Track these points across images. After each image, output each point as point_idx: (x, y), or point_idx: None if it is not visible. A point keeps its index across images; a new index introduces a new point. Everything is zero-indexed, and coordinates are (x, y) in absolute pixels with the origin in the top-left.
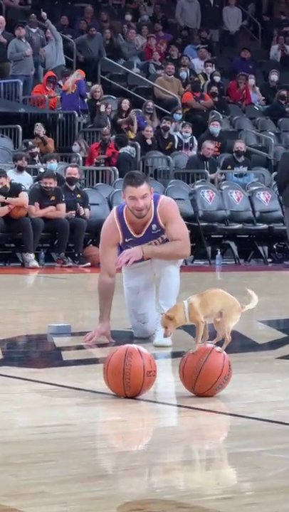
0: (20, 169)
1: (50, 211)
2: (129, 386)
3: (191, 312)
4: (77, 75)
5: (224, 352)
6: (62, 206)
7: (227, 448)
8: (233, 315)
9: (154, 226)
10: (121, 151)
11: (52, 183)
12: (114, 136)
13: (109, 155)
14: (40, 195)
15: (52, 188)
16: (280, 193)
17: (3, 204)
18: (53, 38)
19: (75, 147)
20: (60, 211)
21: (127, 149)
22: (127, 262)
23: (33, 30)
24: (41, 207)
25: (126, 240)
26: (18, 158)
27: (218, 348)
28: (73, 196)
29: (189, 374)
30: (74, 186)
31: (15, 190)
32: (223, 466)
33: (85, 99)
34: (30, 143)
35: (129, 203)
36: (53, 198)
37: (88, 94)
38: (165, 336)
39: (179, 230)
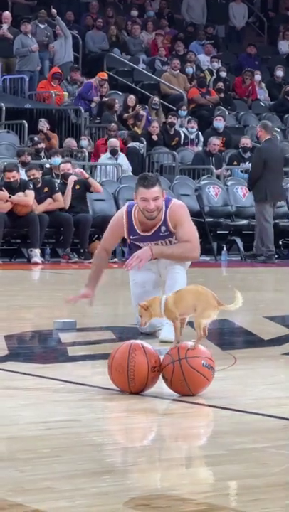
0: (24, 165)
1: (49, 204)
2: (134, 382)
3: (166, 309)
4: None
5: (201, 346)
6: (58, 195)
7: (232, 444)
8: (206, 312)
9: (163, 228)
10: (130, 145)
11: (35, 174)
12: (126, 131)
13: None
14: (34, 191)
15: (38, 179)
16: (251, 188)
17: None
18: (63, 35)
19: (84, 142)
20: (58, 201)
21: (136, 144)
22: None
23: (42, 27)
24: (38, 201)
25: (131, 237)
26: (20, 154)
27: (190, 345)
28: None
29: (177, 385)
30: (73, 182)
31: (23, 186)
32: (229, 462)
33: (92, 104)
34: (35, 138)
35: (141, 204)
36: (46, 190)
37: (94, 95)
38: (140, 325)
39: (190, 233)
